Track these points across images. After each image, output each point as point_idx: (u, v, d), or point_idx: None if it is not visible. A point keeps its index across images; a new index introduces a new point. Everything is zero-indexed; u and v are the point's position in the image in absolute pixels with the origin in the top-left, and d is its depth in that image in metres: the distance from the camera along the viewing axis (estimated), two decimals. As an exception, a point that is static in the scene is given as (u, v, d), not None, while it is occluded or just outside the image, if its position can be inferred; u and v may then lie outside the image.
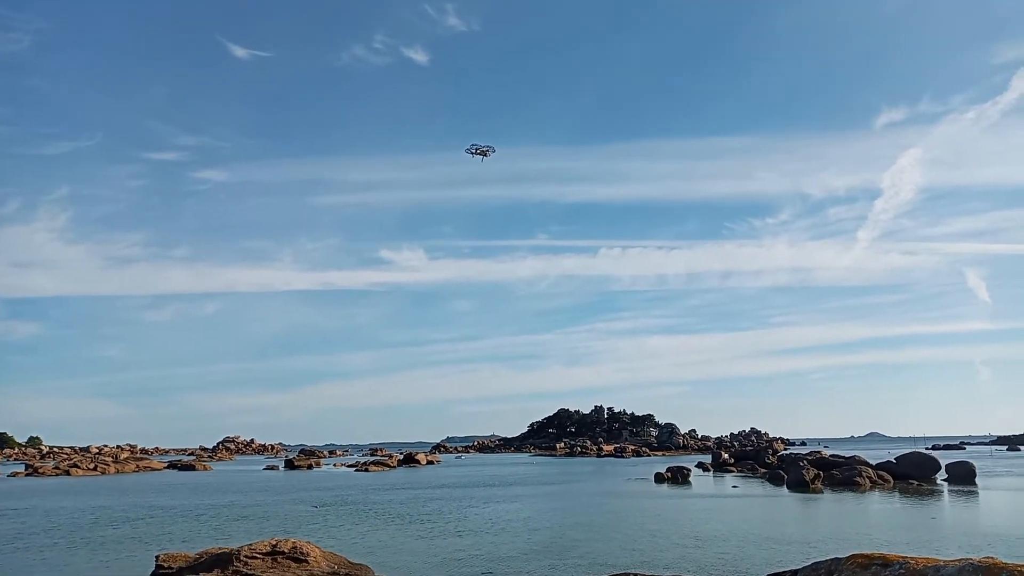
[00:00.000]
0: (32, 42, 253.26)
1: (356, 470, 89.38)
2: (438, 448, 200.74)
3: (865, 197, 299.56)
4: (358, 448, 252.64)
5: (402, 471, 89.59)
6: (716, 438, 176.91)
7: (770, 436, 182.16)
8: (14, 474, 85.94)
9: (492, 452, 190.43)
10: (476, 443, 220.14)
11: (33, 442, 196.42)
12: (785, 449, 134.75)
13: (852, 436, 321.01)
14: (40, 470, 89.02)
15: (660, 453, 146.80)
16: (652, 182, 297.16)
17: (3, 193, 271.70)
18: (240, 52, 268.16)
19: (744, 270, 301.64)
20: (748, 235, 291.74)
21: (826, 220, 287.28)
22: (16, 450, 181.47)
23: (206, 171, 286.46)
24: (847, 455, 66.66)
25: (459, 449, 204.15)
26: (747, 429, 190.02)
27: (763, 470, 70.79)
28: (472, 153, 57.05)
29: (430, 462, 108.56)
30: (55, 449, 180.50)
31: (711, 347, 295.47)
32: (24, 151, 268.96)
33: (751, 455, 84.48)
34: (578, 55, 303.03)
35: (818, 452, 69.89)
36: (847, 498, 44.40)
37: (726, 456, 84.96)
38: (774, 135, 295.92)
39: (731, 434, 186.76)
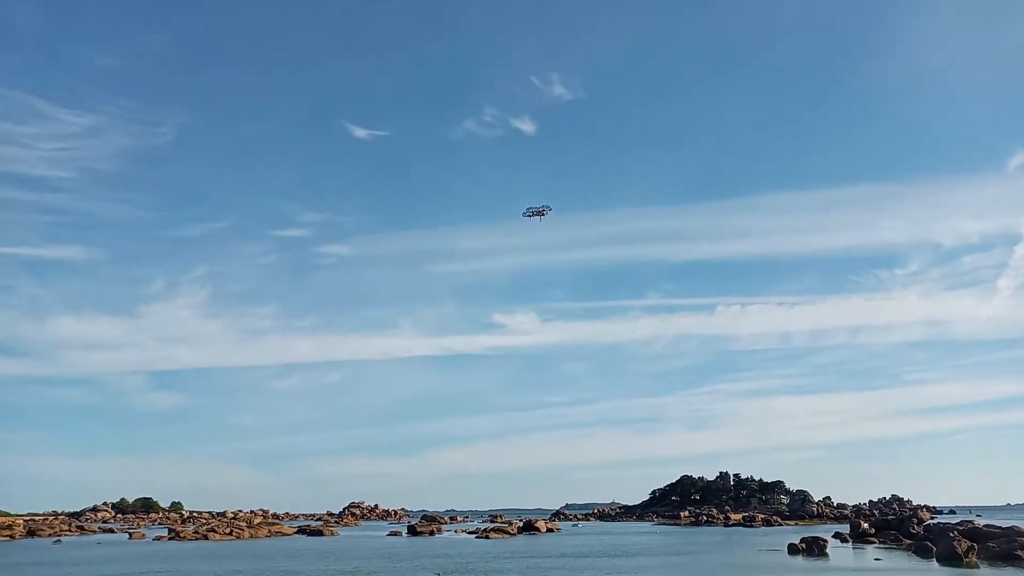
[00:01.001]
0: (175, 135, 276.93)
1: (476, 537, 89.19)
2: (557, 515, 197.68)
3: (1003, 243, 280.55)
4: (477, 514, 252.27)
5: (522, 538, 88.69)
6: (853, 506, 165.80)
7: (914, 504, 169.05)
8: (159, 538, 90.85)
9: (613, 520, 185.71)
10: (596, 511, 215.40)
11: (175, 507, 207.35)
12: (932, 518, 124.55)
13: (1008, 504, 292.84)
14: (181, 534, 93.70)
15: (792, 522, 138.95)
16: (768, 236, 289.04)
17: (150, 274, 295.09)
18: (360, 132, 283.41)
19: (874, 325, 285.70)
20: (876, 288, 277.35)
21: (961, 269, 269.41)
22: (160, 514, 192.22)
23: (330, 245, 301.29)
24: (1004, 525, 61.00)
25: (578, 516, 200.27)
26: (887, 496, 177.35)
27: (908, 541, 65.68)
28: (529, 216, 58.65)
29: (550, 530, 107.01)
30: (195, 514, 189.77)
31: (842, 408, 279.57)
32: (168, 234, 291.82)
33: (894, 524, 78.65)
34: (684, 112, 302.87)
35: (970, 522, 64.40)
36: (1007, 574, 40.57)
37: (866, 526, 79.48)
38: (897, 182, 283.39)
39: (870, 501, 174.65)
